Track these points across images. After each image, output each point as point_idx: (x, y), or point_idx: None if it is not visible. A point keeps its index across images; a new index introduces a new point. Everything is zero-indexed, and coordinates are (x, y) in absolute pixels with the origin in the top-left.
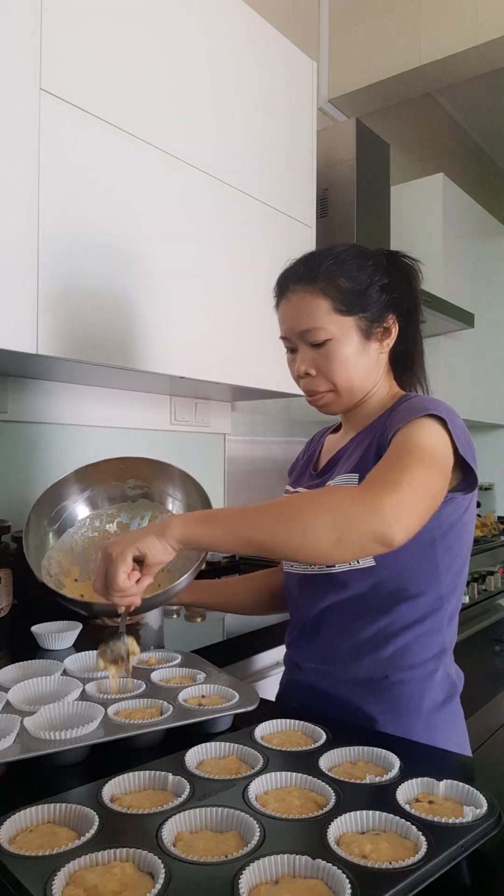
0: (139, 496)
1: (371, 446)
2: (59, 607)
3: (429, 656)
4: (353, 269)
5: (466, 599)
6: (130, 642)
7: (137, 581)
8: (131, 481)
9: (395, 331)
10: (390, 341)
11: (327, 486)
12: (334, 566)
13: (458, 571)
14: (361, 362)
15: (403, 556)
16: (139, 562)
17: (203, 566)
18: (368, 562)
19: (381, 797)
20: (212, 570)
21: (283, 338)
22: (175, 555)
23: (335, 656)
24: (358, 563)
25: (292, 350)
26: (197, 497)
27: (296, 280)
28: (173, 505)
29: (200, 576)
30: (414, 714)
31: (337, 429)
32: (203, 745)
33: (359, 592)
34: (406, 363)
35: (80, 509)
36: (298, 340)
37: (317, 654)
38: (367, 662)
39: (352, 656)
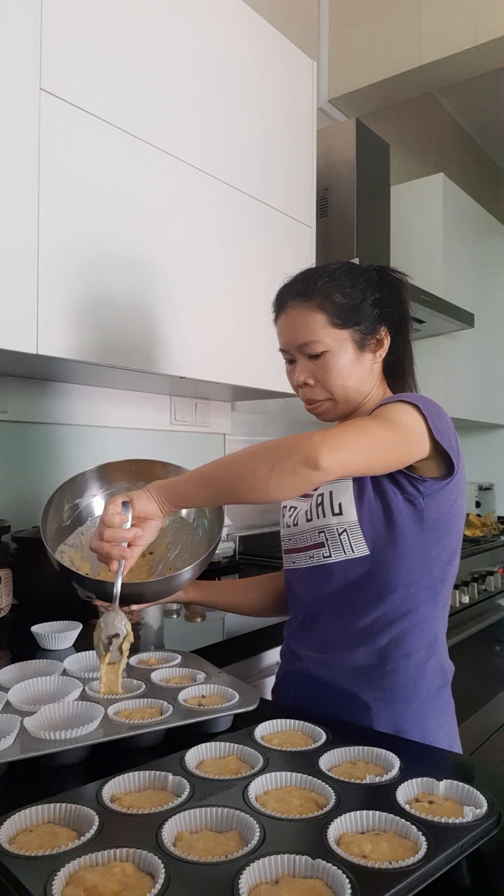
0: None
1: None
2: (59, 607)
3: (422, 646)
4: (346, 286)
5: (466, 599)
6: (126, 622)
7: (130, 538)
8: (142, 483)
9: (387, 342)
10: (383, 352)
11: None
12: (330, 556)
13: (448, 561)
14: (356, 372)
15: (396, 546)
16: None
17: (208, 563)
18: (363, 551)
19: (380, 797)
20: (212, 570)
21: (282, 350)
22: (162, 512)
23: (332, 645)
24: (353, 552)
25: (291, 361)
26: None
27: (293, 296)
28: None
29: (203, 577)
30: (407, 702)
31: None
32: (203, 745)
33: (353, 581)
34: (397, 371)
35: (95, 506)
36: (297, 352)
37: (315, 643)
38: (363, 651)
39: (348, 645)
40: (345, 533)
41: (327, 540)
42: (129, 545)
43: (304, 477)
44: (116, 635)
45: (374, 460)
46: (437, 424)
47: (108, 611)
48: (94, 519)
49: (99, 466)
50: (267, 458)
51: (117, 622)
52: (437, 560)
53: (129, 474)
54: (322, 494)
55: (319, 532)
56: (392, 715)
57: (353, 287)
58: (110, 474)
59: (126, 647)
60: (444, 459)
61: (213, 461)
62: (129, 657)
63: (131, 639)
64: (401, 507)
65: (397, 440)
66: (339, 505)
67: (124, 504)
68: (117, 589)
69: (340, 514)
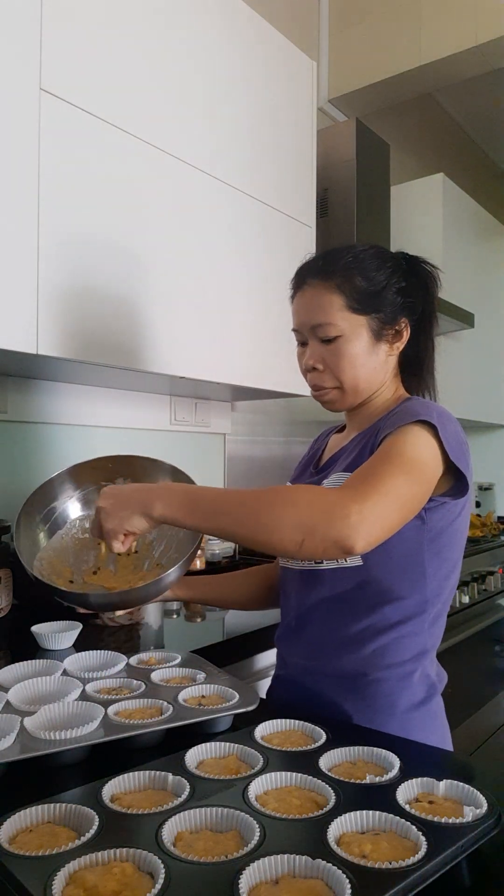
0: None
1: (366, 448)
2: (59, 607)
3: (407, 657)
4: (371, 269)
5: (466, 599)
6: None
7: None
8: (119, 480)
9: (406, 334)
10: (401, 344)
11: (302, 485)
12: (322, 563)
13: (446, 576)
14: (369, 362)
15: (391, 559)
16: None
17: (194, 558)
18: (356, 561)
19: (381, 797)
20: (212, 570)
21: (294, 330)
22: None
23: (318, 652)
24: (346, 561)
25: (303, 343)
26: None
27: (313, 274)
28: None
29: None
30: (388, 713)
31: (342, 428)
32: (203, 745)
33: (345, 591)
34: (416, 368)
35: (71, 509)
36: (309, 334)
37: (301, 649)
38: (347, 660)
39: (334, 653)
40: None
41: None
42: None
43: (333, 556)
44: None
45: (403, 522)
46: (452, 445)
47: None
48: (73, 522)
49: (72, 466)
50: (296, 529)
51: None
52: (435, 574)
53: (106, 471)
54: None
55: None
56: (373, 725)
57: (377, 271)
58: (85, 473)
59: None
60: (455, 477)
61: (226, 498)
62: (128, 658)
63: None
64: None
65: (422, 490)
66: None
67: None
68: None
69: None
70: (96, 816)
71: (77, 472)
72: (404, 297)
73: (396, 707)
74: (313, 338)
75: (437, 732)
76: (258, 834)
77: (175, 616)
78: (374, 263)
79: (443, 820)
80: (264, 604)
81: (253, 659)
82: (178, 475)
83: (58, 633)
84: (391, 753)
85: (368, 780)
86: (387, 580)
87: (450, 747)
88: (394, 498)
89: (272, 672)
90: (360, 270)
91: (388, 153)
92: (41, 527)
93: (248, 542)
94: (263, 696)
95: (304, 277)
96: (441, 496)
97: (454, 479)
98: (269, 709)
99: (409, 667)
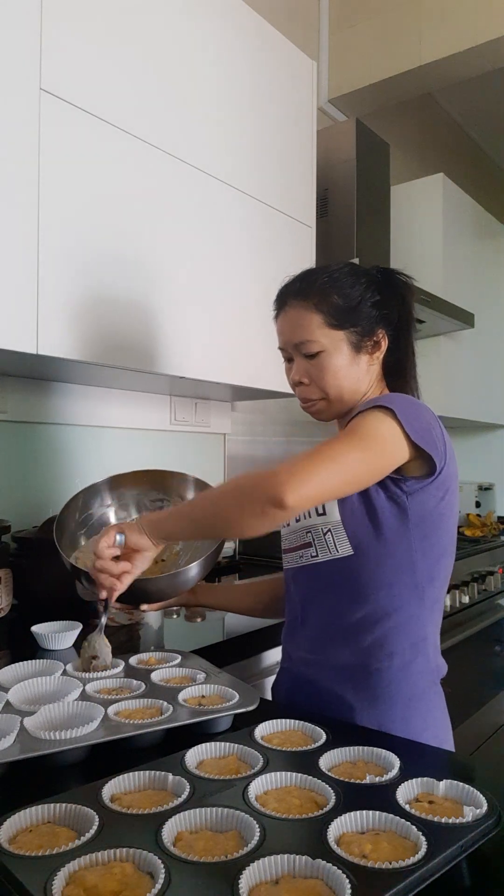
0: (158, 508)
1: None
2: (59, 607)
3: (406, 646)
4: (346, 287)
5: (466, 599)
6: (106, 642)
7: (119, 562)
8: (153, 493)
9: (384, 344)
10: (380, 354)
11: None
12: (317, 556)
13: (437, 560)
14: (351, 373)
15: (379, 544)
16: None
17: (214, 561)
18: (346, 551)
19: (381, 797)
20: (212, 571)
21: (280, 348)
22: (153, 545)
23: (319, 645)
24: (337, 551)
25: (289, 360)
26: None
27: (293, 295)
28: None
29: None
30: (391, 702)
31: None
32: (203, 745)
33: (338, 581)
34: (399, 372)
35: (109, 516)
36: (294, 351)
37: (304, 643)
38: (347, 651)
39: (334, 645)
40: (329, 533)
41: (314, 540)
42: (119, 576)
43: (272, 516)
44: (96, 657)
45: (346, 485)
46: (415, 426)
47: (95, 633)
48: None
49: (113, 476)
50: (237, 498)
51: (100, 646)
52: (424, 558)
53: (142, 483)
54: None
55: (307, 532)
56: (375, 715)
57: (351, 288)
58: (124, 484)
59: (110, 659)
60: (426, 459)
61: (194, 498)
62: (128, 658)
63: (109, 667)
64: (384, 506)
65: (370, 458)
66: (323, 505)
67: (119, 535)
68: (103, 620)
69: (324, 514)
70: (96, 816)
71: (115, 482)
72: (379, 310)
73: (398, 697)
74: (298, 354)
75: (439, 720)
76: (258, 834)
77: (175, 616)
78: (349, 281)
79: (443, 820)
80: (268, 613)
81: (253, 659)
82: (203, 487)
83: (58, 633)
84: (391, 753)
85: (368, 780)
86: (377, 566)
87: (451, 735)
88: (329, 458)
89: (273, 671)
90: (335, 289)
91: (388, 153)
92: (79, 530)
93: (209, 527)
94: (264, 696)
95: (285, 299)
96: (418, 479)
97: (428, 462)
98: (269, 708)
99: (408, 656)
